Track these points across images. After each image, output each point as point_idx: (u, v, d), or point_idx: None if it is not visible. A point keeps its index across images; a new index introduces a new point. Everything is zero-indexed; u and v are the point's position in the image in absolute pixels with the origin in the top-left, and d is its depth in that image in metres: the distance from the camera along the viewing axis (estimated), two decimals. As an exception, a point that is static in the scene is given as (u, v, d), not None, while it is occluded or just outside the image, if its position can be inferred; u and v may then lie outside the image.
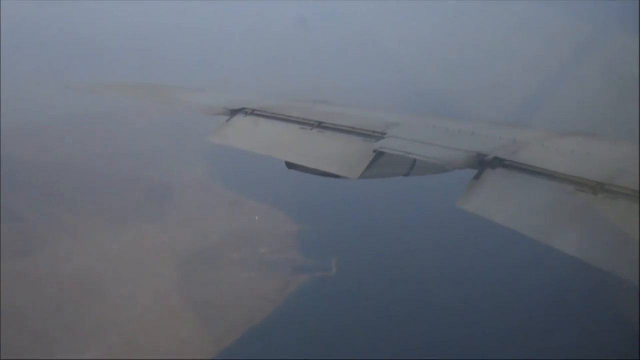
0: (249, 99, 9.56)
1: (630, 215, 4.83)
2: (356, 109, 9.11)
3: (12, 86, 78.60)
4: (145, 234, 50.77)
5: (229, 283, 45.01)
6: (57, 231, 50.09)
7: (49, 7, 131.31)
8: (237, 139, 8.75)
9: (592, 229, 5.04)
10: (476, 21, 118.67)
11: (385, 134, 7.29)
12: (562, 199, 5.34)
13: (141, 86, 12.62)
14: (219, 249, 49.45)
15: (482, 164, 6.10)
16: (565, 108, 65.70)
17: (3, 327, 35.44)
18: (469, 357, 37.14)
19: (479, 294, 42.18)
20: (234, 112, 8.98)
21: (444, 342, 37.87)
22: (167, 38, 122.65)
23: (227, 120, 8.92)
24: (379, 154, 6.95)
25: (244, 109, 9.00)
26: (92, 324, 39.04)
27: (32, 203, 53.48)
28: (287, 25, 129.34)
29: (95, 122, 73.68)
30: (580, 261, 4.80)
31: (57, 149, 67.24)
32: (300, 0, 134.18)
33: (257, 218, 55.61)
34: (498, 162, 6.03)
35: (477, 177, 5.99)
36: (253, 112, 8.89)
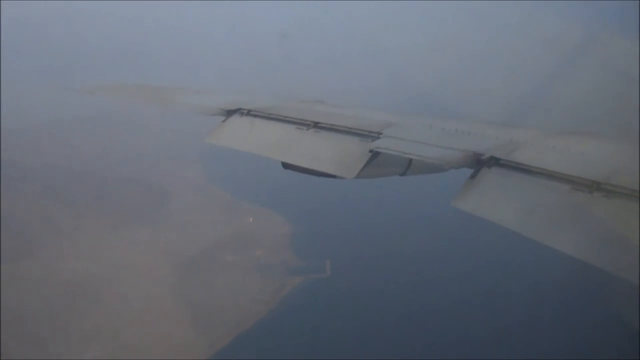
0: (244, 100, 9.54)
1: (626, 214, 4.84)
2: (352, 109, 9.11)
3: (11, 87, 78.16)
4: (141, 236, 50.60)
5: (224, 285, 44.91)
6: (53, 233, 49.94)
7: (49, 7, 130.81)
8: (233, 139, 8.74)
9: (588, 227, 5.05)
10: (473, 21, 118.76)
11: (381, 133, 7.30)
12: (558, 198, 5.34)
13: (137, 88, 12.59)
14: (213, 251, 49.32)
15: (478, 163, 6.10)
16: (564, 108, 65.94)
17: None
18: (466, 359, 37.10)
19: (475, 295, 42.21)
20: (229, 113, 8.97)
21: (440, 344, 37.80)
22: (164, 39, 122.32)
23: (223, 121, 8.92)
24: (375, 154, 6.96)
25: (239, 109, 8.99)
26: (87, 325, 38.93)
27: (29, 205, 53.30)
28: (283, 25, 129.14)
29: (91, 123, 73.41)
30: (576, 260, 4.80)
31: (53, 151, 67.04)
32: (298, 0, 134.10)
33: (251, 219, 55.53)
34: (494, 162, 6.03)
35: (473, 177, 5.99)
36: (249, 113, 8.87)
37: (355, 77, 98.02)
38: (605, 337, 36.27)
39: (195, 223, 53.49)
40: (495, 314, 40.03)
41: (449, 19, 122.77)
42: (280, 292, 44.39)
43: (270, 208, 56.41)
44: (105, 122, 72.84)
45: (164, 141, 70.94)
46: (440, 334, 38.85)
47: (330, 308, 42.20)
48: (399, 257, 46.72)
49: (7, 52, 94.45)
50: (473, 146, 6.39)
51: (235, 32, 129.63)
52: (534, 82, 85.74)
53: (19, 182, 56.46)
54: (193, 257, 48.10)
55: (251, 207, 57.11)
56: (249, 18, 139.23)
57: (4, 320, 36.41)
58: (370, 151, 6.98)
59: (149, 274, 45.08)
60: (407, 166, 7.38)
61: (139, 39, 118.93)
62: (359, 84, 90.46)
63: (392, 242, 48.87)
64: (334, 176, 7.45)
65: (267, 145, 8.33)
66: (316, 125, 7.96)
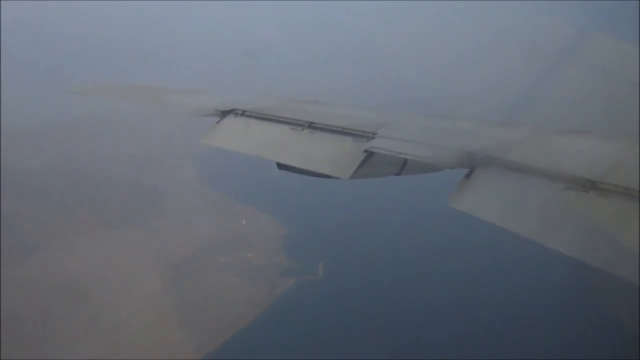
0: (239, 100, 9.53)
1: (622, 213, 4.85)
2: (347, 109, 9.12)
3: (9, 88, 77.73)
4: (134, 237, 50.37)
5: (215, 287, 44.72)
6: (47, 235, 49.67)
7: (49, 7, 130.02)
8: (228, 140, 8.73)
9: (583, 226, 5.06)
10: (469, 20, 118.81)
11: (375, 133, 7.31)
12: (553, 196, 5.35)
13: (131, 87, 12.55)
14: (206, 253, 49.12)
15: (473, 162, 6.11)
16: (561, 107, 66.13)
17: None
18: (465, 359, 37.04)
19: (471, 295, 42.02)
20: (224, 113, 8.96)
21: (436, 346, 37.61)
22: (159, 39, 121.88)
23: (218, 122, 8.90)
24: (370, 154, 6.97)
25: (234, 109, 8.98)
26: (80, 326, 38.83)
27: (23, 207, 53.06)
28: (278, 26, 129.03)
29: (85, 124, 73.06)
30: (572, 259, 4.81)
31: (48, 152, 66.70)
32: (293, 0, 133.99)
33: (244, 221, 55.36)
34: (489, 161, 6.04)
35: (468, 176, 5.99)
36: (243, 113, 8.87)
37: (350, 77, 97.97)
38: (604, 337, 36.30)
39: (188, 224, 53.29)
40: (492, 315, 39.96)
41: (444, 18, 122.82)
42: (272, 294, 44.17)
43: (263, 209, 56.22)
44: (99, 123, 72.59)
45: (157, 142, 70.71)
46: (435, 335, 38.69)
47: (323, 310, 41.99)
48: (393, 258, 46.59)
49: (8, 52, 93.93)
50: (468, 145, 6.41)
51: (229, 31, 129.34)
52: (530, 82, 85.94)
53: (14, 184, 56.15)
54: (186, 259, 47.91)
55: (245, 208, 56.96)
56: (243, 17, 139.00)
57: (4, 321, 36.50)
58: (365, 151, 7.00)
59: (141, 276, 44.96)
60: (402, 166, 7.39)
61: (138, 38, 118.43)
62: (354, 84, 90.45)
63: (387, 243, 48.71)
64: (328, 176, 7.46)
65: (261, 145, 8.32)
66: (311, 126, 7.97)
